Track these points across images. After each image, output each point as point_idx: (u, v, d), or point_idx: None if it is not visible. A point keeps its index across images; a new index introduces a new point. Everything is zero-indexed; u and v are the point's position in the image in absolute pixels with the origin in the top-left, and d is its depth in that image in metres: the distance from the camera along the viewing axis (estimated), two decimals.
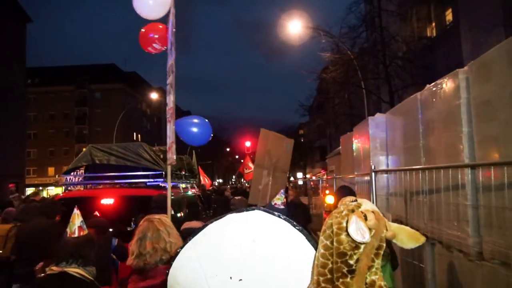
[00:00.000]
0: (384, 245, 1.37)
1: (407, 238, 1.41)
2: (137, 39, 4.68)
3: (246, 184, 24.08)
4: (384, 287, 1.37)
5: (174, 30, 4.25)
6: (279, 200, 3.71)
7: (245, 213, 1.83)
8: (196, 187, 10.08)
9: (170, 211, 4.27)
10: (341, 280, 1.34)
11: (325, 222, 1.44)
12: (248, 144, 35.68)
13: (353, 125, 8.16)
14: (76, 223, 2.52)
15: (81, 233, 2.50)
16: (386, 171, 4.27)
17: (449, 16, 19.58)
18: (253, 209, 1.84)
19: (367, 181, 4.68)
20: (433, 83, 3.45)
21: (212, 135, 4.49)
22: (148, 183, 6.11)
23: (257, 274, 1.75)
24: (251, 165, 18.48)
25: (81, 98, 61.26)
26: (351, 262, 1.34)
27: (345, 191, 3.73)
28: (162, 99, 79.28)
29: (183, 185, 7.89)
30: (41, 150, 58.68)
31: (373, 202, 3.93)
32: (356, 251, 1.34)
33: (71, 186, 6.77)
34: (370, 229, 1.32)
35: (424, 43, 20.95)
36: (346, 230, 1.33)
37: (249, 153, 37.25)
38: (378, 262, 1.37)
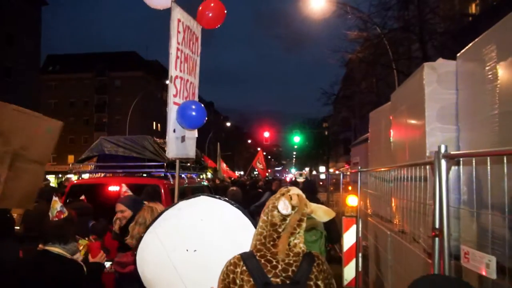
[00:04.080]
0: (305, 218, 1.93)
1: (323, 213, 1.98)
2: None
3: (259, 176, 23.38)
4: (302, 247, 1.91)
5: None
6: None
7: (193, 199, 2.28)
8: (205, 178, 10.93)
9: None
10: (271, 242, 1.88)
11: (266, 205, 1.99)
12: (266, 134, 34.02)
13: None
14: (56, 208, 3.02)
15: (62, 216, 2.98)
16: (477, 156, 2.08)
17: None
18: (199, 195, 2.29)
19: (419, 177, 2.58)
20: None
21: (206, 119, 4.60)
22: (152, 173, 6.78)
23: (208, 245, 2.16)
24: (263, 161, 19.48)
25: (101, 85, 60.40)
26: (280, 230, 1.88)
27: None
28: None
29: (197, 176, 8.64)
30: (61, 137, 56.85)
31: (440, 215, 1.85)
32: (283, 222, 1.89)
33: (84, 174, 7.47)
34: (293, 206, 1.87)
35: (466, 20, 18.47)
36: (277, 208, 1.89)
37: (267, 143, 35.76)
38: (299, 231, 1.91)
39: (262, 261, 1.84)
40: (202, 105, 4.56)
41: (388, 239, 3.73)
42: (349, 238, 5.88)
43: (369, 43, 17.97)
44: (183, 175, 7.40)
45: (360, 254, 5.69)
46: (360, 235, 5.43)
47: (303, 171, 62.16)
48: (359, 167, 5.45)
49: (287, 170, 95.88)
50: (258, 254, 1.87)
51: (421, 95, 2.74)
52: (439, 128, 2.66)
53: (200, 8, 4.67)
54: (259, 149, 24.61)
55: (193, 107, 4.42)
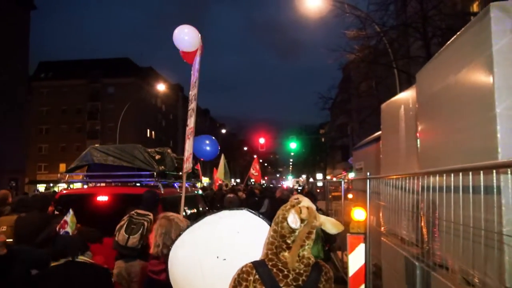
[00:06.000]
0: (314, 231, 1.96)
1: (332, 226, 2.01)
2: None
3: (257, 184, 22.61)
4: (311, 258, 1.96)
5: (198, 67, 4.99)
6: None
7: (235, 211, 2.42)
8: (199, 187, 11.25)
9: (183, 210, 4.89)
10: (282, 253, 1.93)
11: (277, 214, 2.01)
12: (262, 140, 33.01)
13: (380, 121, 5.33)
14: (75, 222, 3.22)
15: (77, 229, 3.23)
16: None
17: None
18: (242, 209, 2.41)
19: (485, 190, 1.53)
20: None
21: (219, 149, 5.71)
22: (143, 183, 6.73)
23: (238, 257, 2.17)
24: (257, 167, 19.64)
25: (94, 92, 59.29)
26: (289, 241, 1.92)
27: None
28: (178, 96, 77.06)
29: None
30: (53, 145, 57.11)
31: None
32: (292, 234, 1.92)
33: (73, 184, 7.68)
34: (303, 220, 1.90)
35: (469, 20, 17.76)
36: (287, 220, 1.93)
37: (262, 150, 34.82)
38: (308, 243, 1.95)
39: (274, 270, 1.90)
40: (214, 138, 5.51)
41: (417, 272, 2.69)
42: (355, 259, 4.84)
43: (368, 43, 17.14)
44: (175, 185, 7.34)
45: (370, 277, 4.67)
46: (369, 257, 4.40)
47: (300, 178, 61.16)
48: (368, 173, 4.42)
49: (283, 177, 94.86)
50: (270, 263, 1.93)
51: (484, 56, 1.72)
52: None
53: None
54: (255, 156, 23.69)
55: (207, 142, 5.57)
